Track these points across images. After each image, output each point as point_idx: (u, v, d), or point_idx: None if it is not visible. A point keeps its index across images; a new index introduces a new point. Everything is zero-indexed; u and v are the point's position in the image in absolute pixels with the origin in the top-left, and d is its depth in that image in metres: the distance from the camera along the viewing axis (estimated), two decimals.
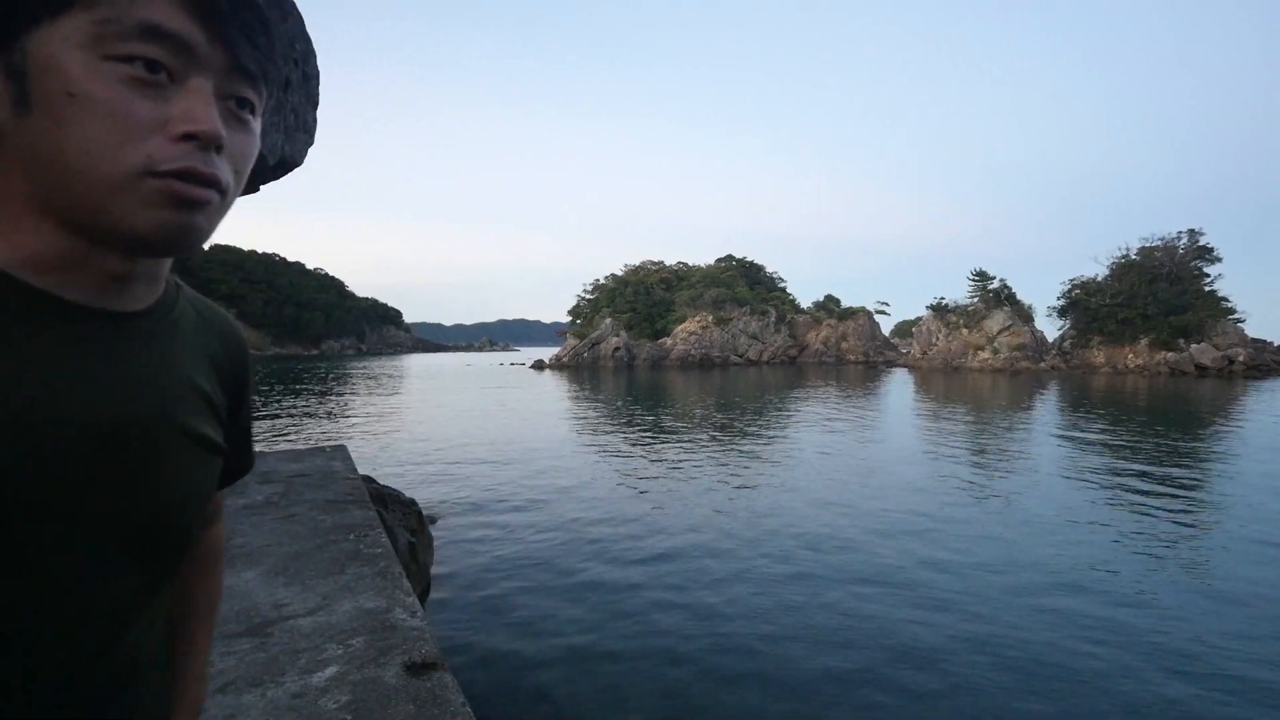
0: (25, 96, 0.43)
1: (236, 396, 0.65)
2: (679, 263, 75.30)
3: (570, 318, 70.54)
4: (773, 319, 64.04)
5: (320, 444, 6.81)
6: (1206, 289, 48.18)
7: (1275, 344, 46.62)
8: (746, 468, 10.85)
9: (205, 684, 0.76)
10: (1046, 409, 20.98)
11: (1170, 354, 45.20)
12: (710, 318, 61.18)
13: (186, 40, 0.44)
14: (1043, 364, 49.25)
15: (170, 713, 0.67)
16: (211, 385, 0.60)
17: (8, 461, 0.43)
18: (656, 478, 10.03)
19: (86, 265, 0.47)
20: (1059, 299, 54.71)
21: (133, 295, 0.52)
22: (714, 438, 14.37)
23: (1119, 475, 10.18)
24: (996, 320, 52.63)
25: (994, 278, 55.25)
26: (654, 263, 74.73)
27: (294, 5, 4.70)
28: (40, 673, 0.47)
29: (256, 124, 0.51)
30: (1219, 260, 49.24)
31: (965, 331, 54.14)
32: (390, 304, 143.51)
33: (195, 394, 0.57)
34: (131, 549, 0.51)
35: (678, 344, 59.35)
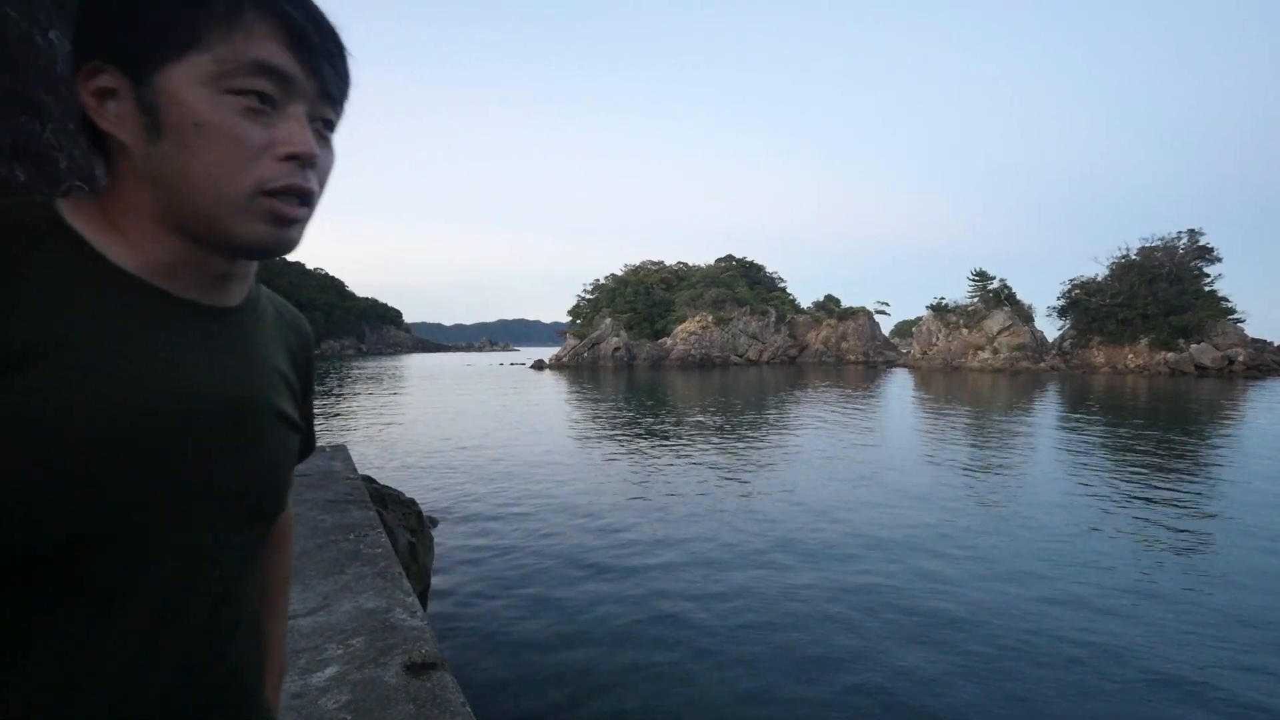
0: (156, 126, 0.50)
1: (305, 384, 0.75)
2: (679, 263, 75.16)
3: (570, 318, 70.46)
4: (773, 319, 63.99)
5: (320, 444, 6.81)
6: (1206, 289, 48.12)
7: (1275, 344, 46.57)
8: (748, 470, 10.85)
9: (285, 648, 0.85)
10: (1047, 410, 20.98)
11: (1170, 354, 45.17)
12: (710, 318, 61.13)
13: (289, 74, 0.52)
14: (1043, 364, 49.23)
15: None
16: (289, 371, 0.69)
17: (151, 431, 0.51)
18: (657, 479, 10.02)
19: (197, 267, 0.56)
20: (1059, 299, 54.69)
21: (231, 292, 0.60)
22: (715, 439, 14.37)
23: (1119, 476, 10.17)
24: (996, 320, 52.60)
25: (994, 278, 55.22)
26: (654, 263, 74.61)
27: None
28: (178, 616, 0.54)
29: (333, 141, 0.59)
30: (1219, 260, 49.23)
31: (965, 331, 54.12)
32: (390, 304, 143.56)
33: (279, 379, 0.66)
34: (243, 511, 0.60)
35: (678, 344, 59.32)
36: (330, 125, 0.58)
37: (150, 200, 0.52)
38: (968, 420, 17.83)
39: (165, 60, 0.49)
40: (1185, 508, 8.16)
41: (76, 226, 0.52)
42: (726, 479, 9.94)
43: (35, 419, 0.46)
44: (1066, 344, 51.96)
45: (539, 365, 54.13)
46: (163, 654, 0.53)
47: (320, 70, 0.54)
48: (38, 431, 0.46)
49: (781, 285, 74.56)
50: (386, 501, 5.33)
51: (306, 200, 0.55)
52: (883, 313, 69.18)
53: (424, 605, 4.62)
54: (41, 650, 0.48)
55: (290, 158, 0.52)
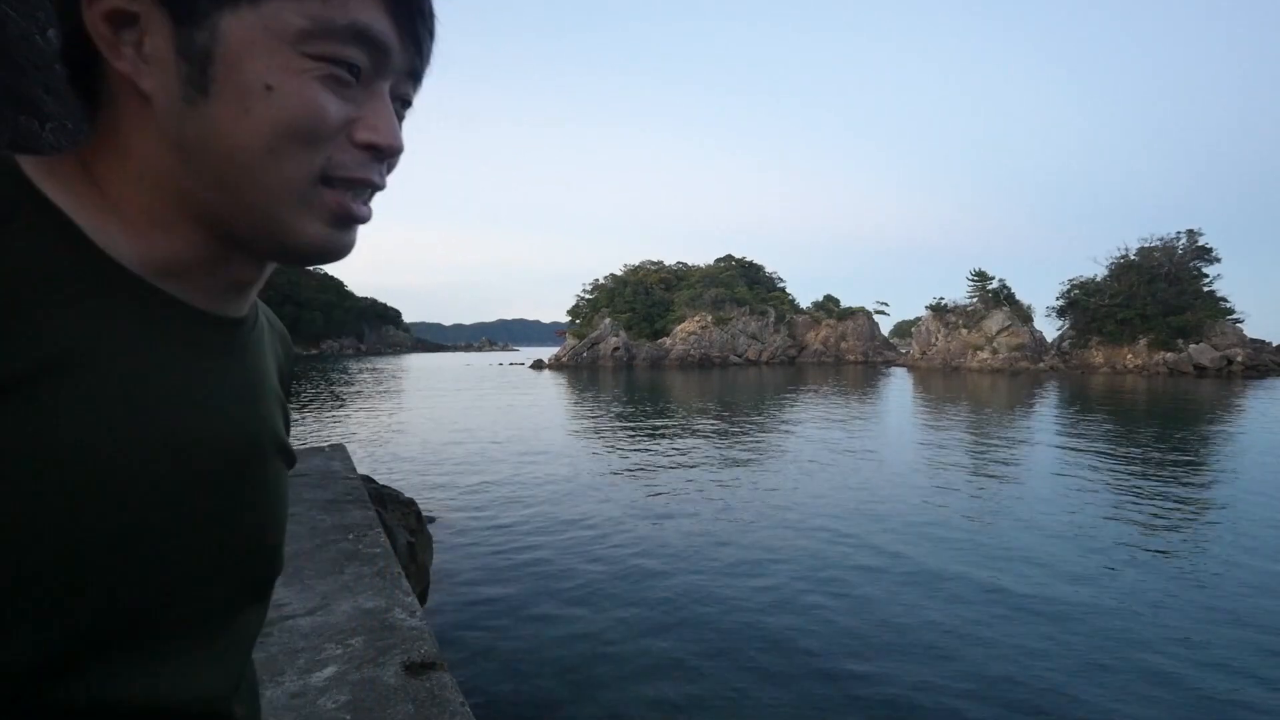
0: (203, 80, 0.38)
1: (288, 397, 0.62)
2: (678, 263, 75.26)
3: (570, 318, 70.51)
4: (772, 319, 64.05)
5: (319, 444, 6.81)
6: (1205, 289, 48.21)
7: (1274, 344, 46.65)
8: (747, 471, 10.86)
9: None
10: (1046, 410, 21.01)
11: (1169, 354, 45.23)
12: (709, 318, 61.16)
13: (386, 44, 0.42)
14: (1042, 364, 49.28)
15: None
16: (279, 390, 0.56)
17: (169, 478, 0.40)
18: (656, 479, 10.03)
19: (215, 269, 0.43)
20: (1058, 299, 54.79)
21: (244, 300, 0.48)
22: (714, 440, 14.38)
23: (1119, 477, 10.19)
24: (996, 320, 52.65)
25: (993, 278, 55.30)
26: (653, 263, 74.61)
27: None
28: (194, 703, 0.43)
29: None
30: (1218, 260, 49.32)
31: (964, 332, 54.17)
32: (390, 304, 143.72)
33: (277, 402, 0.54)
34: (259, 570, 0.49)
35: (677, 344, 59.34)
36: (407, 104, 0.47)
37: (173, 174, 0.40)
38: (968, 423, 17.86)
39: (238, 1, 0.38)
40: (1190, 507, 8.17)
41: (55, 199, 0.38)
42: (727, 480, 9.95)
43: (27, 460, 0.34)
44: (1065, 344, 52.03)
45: (538, 365, 54.15)
46: None
47: (419, 41, 0.44)
48: (32, 479, 0.34)
49: (781, 285, 74.63)
50: (385, 501, 5.33)
51: (369, 200, 0.44)
52: (882, 313, 69.42)
53: (423, 605, 4.62)
54: None
55: (369, 147, 0.42)
